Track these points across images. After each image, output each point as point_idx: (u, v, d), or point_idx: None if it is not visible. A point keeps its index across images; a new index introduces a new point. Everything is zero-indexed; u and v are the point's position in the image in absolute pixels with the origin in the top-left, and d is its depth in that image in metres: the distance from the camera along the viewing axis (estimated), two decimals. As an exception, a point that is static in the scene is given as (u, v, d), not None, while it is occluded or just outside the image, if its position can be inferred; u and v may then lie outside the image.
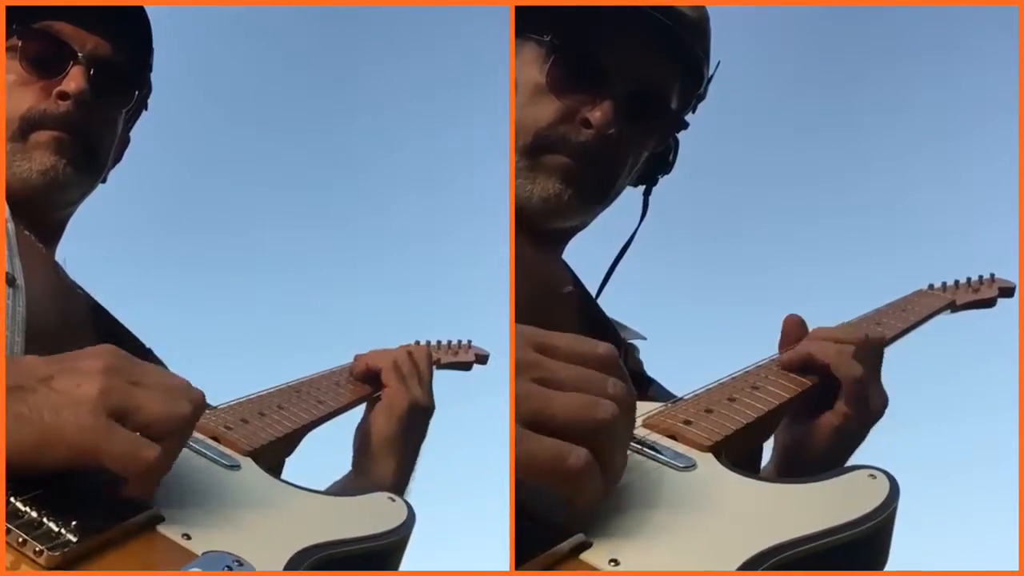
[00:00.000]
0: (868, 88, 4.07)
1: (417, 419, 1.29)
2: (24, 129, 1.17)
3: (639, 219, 1.33)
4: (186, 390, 0.81)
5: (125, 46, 1.24)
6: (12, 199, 1.13)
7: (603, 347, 0.78)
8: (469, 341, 1.72)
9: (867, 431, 1.10)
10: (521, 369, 0.73)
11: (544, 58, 1.18)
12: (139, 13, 1.25)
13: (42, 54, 1.19)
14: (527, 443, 0.70)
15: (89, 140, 1.21)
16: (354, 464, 1.26)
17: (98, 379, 0.76)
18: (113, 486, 0.76)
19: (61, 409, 0.74)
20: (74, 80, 1.17)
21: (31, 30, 1.19)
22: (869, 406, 1.08)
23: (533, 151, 1.16)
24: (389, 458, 1.25)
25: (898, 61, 4.10)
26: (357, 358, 1.34)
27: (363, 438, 1.26)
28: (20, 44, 1.19)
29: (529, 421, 0.71)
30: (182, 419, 0.78)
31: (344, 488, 1.23)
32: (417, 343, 1.58)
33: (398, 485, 1.25)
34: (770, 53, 3.85)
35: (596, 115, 1.14)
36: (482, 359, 1.71)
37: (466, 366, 1.69)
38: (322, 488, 1.26)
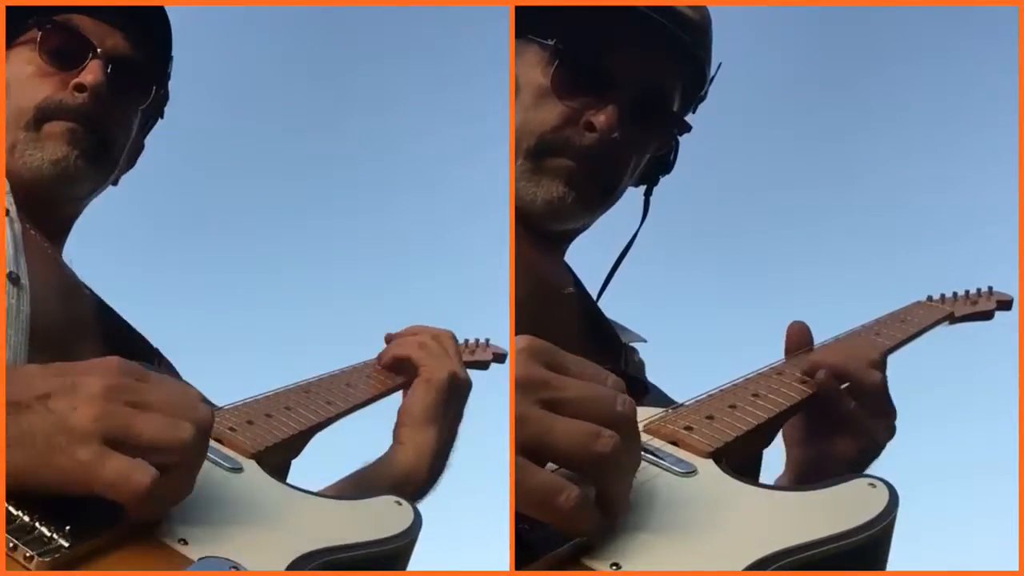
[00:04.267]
0: (868, 89, 4.07)
1: (456, 392, 1.27)
2: (39, 119, 1.17)
3: (640, 220, 1.33)
4: (191, 409, 0.77)
5: (145, 45, 1.24)
6: (21, 190, 1.13)
7: (612, 379, 0.77)
8: (487, 340, 1.69)
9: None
10: (530, 386, 0.72)
11: (548, 61, 1.17)
12: (160, 14, 1.26)
13: (61, 47, 1.19)
14: (522, 474, 0.70)
15: (103, 134, 1.21)
16: (395, 436, 1.25)
17: (96, 404, 0.72)
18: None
19: (55, 435, 0.71)
20: (91, 73, 1.17)
21: (52, 23, 1.20)
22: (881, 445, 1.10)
23: (537, 154, 1.16)
24: (430, 427, 1.23)
25: (897, 62, 4.10)
26: (384, 351, 1.33)
27: (403, 412, 1.25)
28: (40, 36, 1.19)
29: (528, 448, 0.70)
30: (181, 444, 0.74)
31: (378, 465, 1.22)
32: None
33: (439, 456, 1.23)
34: (770, 54, 3.85)
35: (600, 119, 1.14)
36: (500, 357, 1.67)
37: (484, 365, 1.65)
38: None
